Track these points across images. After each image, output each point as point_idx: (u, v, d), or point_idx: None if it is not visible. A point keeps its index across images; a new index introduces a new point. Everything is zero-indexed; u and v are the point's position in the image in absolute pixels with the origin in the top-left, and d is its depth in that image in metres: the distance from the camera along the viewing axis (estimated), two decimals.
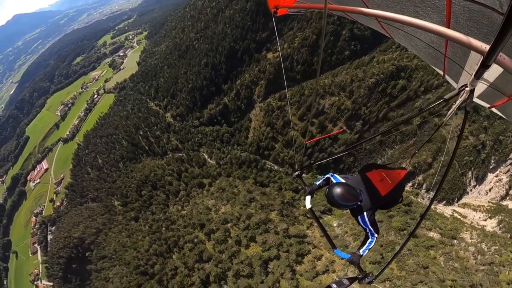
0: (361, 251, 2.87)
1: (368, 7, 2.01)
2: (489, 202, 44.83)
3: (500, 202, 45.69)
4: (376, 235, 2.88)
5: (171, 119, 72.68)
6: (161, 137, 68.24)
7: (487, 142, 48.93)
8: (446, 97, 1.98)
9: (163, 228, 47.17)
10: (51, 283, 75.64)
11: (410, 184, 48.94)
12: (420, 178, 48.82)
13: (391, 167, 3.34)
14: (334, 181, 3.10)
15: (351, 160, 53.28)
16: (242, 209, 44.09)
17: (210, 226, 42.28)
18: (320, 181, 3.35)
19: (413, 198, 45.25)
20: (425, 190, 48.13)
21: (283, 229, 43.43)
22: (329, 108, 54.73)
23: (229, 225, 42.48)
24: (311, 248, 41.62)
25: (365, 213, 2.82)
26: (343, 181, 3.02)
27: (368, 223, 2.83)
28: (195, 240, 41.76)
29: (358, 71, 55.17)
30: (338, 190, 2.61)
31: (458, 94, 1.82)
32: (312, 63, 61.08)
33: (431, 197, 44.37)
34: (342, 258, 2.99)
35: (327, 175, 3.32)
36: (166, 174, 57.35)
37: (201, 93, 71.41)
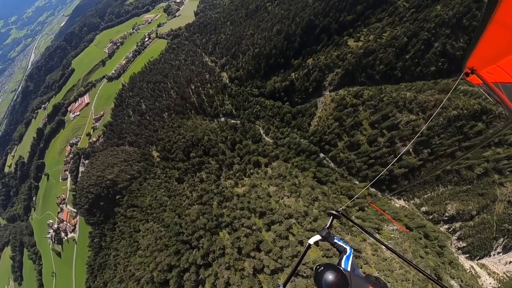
0: None
1: None
2: (504, 273, 45.50)
3: None
4: None
5: (228, 81, 65.29)
6: (215, 97, 61.56)
7: None
8: None
9: (215, 203, 42.52)
10: (75, 210, 77.81)
11: (446, 226, 48.43)
12: (457, 225, 47.51)
13: None
14: (343, 262, 2.94)
15: (406, 183, 50.92)
16: (307, 208, 37.85)
17: (273, 217, 36.89)
18: (340, 242, 3.34)
19: (445, 241, 45.43)
20: (456, 238, 47.80)
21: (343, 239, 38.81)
22: (404, 125, 50.65)
23: (292, 220, 36.67)
24: (362, 263, 39.61)
25: None
26: (348, 270, 2.85)
27: None
28: (254, 227, 36.59)
29: (443, 96, 49.27)
30: (330, 277, 2.41)
31: None
32: (396, 67, 54.47)
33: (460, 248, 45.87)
34: None
35: (347, 248, 3.18)
36: (219, 140, 51.41)
37: (267, 62, 62.98)
